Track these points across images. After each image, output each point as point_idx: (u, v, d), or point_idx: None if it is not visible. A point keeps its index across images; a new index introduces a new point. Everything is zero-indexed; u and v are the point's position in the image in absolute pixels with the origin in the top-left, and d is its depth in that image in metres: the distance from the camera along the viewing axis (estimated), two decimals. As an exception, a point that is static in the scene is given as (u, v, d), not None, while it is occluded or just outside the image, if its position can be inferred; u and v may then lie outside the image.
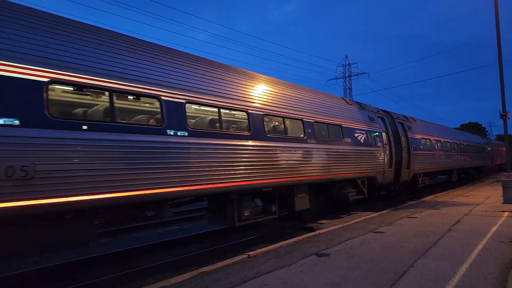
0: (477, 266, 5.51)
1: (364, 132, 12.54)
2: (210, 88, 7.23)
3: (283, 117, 9.14)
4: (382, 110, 15.44)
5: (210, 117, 7.44)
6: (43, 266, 7.25)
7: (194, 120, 7.38)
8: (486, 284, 4.75)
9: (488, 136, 70.01)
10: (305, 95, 10.53)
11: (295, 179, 9.04)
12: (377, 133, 13.35)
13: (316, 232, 8.78)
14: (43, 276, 6.73)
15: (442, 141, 20.73)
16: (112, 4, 28.51)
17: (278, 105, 9.03)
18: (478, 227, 8.58)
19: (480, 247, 6.69)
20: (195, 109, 7.46)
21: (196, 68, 7.22)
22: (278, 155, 8.52)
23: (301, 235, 8.71)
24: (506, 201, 12.95)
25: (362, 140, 12.23)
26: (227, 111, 7.79)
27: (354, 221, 10.33)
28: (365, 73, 59.25)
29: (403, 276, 5.14)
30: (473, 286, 4.65)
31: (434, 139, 19.52)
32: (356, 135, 12.01)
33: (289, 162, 8.87)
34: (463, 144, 25.60)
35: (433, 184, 24.02)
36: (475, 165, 28.75)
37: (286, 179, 8.73)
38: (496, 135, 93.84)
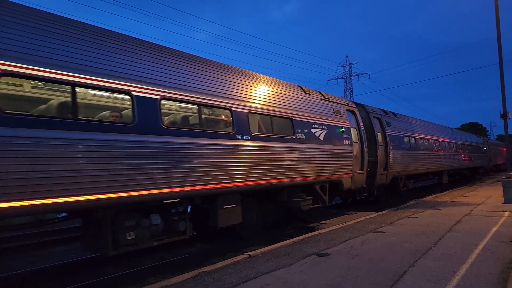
0: (478, 266, 5.50)
1: (326, 127, 10.42)
2: (56, 57, 4.99)
3: (198, 104, 6.96)
4: (354, 102, 13.59)
5: (62, 100, 5.20)
6: (43, 266, 7.26)
7: (23, 103, 5.26)
8: (487, 284, 4.74)
9: (488, 136, 69.82)
10: (236, 77, 8.20)
11: (217, 186, 6.99)
12: (343, 129, 11.21)
13: (317, 232, 8.78)
14: (43, 276, 6.73)
15: (429, 139, 18.99)
16: (112, 4, 28.55)
17: (189, 88, 6.79)
18: (479, 227, 8.58)
19: (480, 247, 6.68)
20: (29, 86, 5.29)
21: (41, 29, 5.00)
22: (185, 155, 6.42)
23: (301, 235, 8.70)
24: (507, 201, 12.94)
25: (322, 137, 10.14)
26: (94, 92, 5.66)
27: (355, 221, 10.33)
28: (366, 73, 59.31)
29: (403, 276, 5.14)
30: (474, 286, 4.64)
31: (420, 137, 17.78)
32: (314, 130, 9.89)
33: (206, 164, 6.76)
34: (456, 143, 23.72)
35: (421, 187, 22.69)
36: (470, 165, 27.06)
37: (200, 187, 6.65)
38: (496, 135, 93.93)
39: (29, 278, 6.64)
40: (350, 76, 59.78)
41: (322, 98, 11.20)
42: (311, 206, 9.90)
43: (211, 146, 6.97)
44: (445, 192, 18.94)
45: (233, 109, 7.65)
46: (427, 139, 18.73)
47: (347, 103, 12.68)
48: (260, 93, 8.73)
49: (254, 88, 8.58)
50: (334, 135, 10.79)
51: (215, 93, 7.40)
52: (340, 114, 11.48)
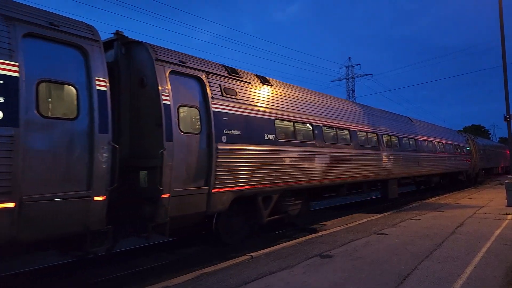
0: (482, 269, 5.47)
1: None
2: None
3: None
4: (87, 26, 5.58)
5: None
6: (43, 266, 7.23)
7: None
8: (491, 287, 4.71)
9: (491, 138, 68.90)
10: None
11: None
12: None
13: (319, 234, 8.74)
14: (43, 276, 6.71)
15: (354, 129, 12.03)
16: (116, 5, 28.63)
17: None
18: (482, 230, 8.53)
19: (484, 250, 6.64)
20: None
21: None
22: None
23: (304, 236, 8.67)
24: (510, 203, 12.88)
25: None
26: None
27: (357, 222, 10.28)
28: (368, 74, 59.31)
29: (407, 278, 5.10)
30: (478, 289, 4.61)
31: (327, 124, 10.74)
32: None
33: None
34: (415, 139, 17.08)
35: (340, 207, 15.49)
36: (441, 171, 20.18)
37: None
38: (499, 138, 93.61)
39: (29, 278, 6.62)
40: (353, 77, 59.82)
41: None
42: None
43: None
44: (447, 195, 18.90)
45: None
46: (349, 129, 11.83)
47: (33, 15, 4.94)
48: None
49: None
50: None
51: None
52: None
